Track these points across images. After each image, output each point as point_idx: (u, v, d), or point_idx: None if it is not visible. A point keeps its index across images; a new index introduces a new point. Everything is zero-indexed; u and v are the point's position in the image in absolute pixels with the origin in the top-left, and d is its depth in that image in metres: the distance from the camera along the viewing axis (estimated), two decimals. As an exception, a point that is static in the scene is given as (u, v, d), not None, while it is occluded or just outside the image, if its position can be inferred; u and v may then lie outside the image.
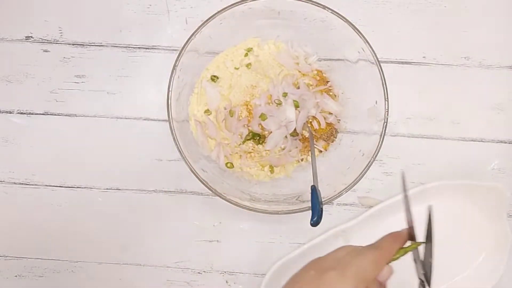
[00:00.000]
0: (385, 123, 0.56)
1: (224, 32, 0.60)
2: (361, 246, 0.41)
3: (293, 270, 0.62)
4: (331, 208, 0.64)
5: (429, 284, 0.40)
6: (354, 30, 0.56)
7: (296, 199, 0.58)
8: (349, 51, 0.60)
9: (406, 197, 0.42)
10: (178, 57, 0.56)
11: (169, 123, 0.56)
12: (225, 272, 0.65)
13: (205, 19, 0.56)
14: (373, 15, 0.66)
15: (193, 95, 0.63)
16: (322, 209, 0.49)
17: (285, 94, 0.61)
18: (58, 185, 0.65)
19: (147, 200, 0.65)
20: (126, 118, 0.65)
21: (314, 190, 0.50)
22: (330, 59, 0.63)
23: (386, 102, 0.56)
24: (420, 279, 0.41)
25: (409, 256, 0.42)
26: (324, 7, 0.56)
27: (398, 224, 0.63)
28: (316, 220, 0.48)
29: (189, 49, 0.56)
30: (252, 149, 0.62)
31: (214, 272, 0.65)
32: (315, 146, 0.62)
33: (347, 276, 0.36)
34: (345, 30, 0.57)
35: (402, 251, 0.41)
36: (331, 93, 0.63)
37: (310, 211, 0.51)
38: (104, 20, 0.66)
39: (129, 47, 0.66)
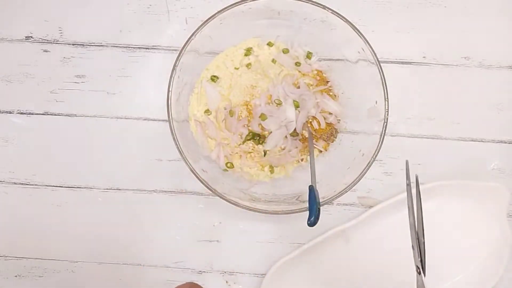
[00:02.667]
0: (385, 123, 0.56)
1: (224, 32, 0.60)
2: None
3: (293, 270, 0.62)
4: (331, 208, 0.64)
5: (423, 270, 0.42)
6: (354, 30, 0.56)
7: (296, 199, 0.58)
8: (349, 51, 0.60)
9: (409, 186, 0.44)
10: (178, 57, 0.56)
11: (169, 123, 0.56)
12: (225, 272, 0.65)
13: (205, 19, 0.56)
14: (373, 15, 0.66)
15: (193, 95, 0.63)
16: (319, 209, 0.49)
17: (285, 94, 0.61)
18: (58, 185, 0.65)
19: (147, 200, 0.65)
20: (126, 118, 0.65)
21: (312, 190, 0.50)
22: (330, 59, 0.63)
23: (386, 102, 0.56)
24: (416, 265, 0.42)
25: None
26: (324, 7, 0.56)
27: (398, 224, 0.63)
28: (313, 220, 0.48)
29: (189, 49, 0.56)
30: (252, 149, 0.62)
31: (214, 272, 0.65)
32: (315, 146, 0.62)
33: None
34: (345, 30, 0.57)
35: None
36: (331, 93, 0.63)
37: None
38: (104, 20, 0.66)
39: (129, 47, 0.66)
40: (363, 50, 0.57)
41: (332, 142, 0.63)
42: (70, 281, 0.65)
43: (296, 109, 0.61)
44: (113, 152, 0.65)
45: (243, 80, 0.63)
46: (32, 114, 0.66)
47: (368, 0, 0.66)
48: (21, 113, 0.66)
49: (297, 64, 0.63)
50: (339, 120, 0.63)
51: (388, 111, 0.56)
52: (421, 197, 0.63)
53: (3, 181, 0.65)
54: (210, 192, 0.55)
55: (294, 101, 0.61)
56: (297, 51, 0.63)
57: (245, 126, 0.62)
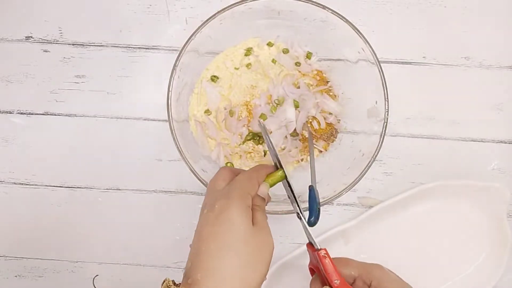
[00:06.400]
0: (385, 123, 0.56)
1: (224, 32, 0.60)
2: (234, 169, 0.49)
3: (293, 270, 0.62)
4: (331, 208, 0.64)
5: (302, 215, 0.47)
6: (354, 30, 0.56)
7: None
8: (349, 51, 0.60)
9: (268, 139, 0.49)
10: (178, 57, 0.56)
11: (169, 123, 0.56)
12: (225, 272, 0.64)
13: (205, 19, 0.56)
14: (373, 15, 0.66)
15: (193, 95, 0.63)
16: (319, 209, 0.49)
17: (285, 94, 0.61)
18: (58, 185, 0.65)
19: (147, 200, 0.65)
20: (126, 118, 0.65)
21: (312, 190, 0.50)
22: (330, 59, 0.63)
23: (386, 102, 0.56)
24: (297, 213, 0.48)
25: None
26: (324, 7, 0.56)
27: (398, 224, 0.63)
28: (313, 220, 0.48)
29: (189, 49, 0.57)
30: (252, 149, 0.62)
31: (214, 272, 0.64)
32: (315, 146, 0.62)
33: (232, 197, 0.43)
34: (345, 30, 0.57)
35: (272, 176, 0.47)
36: (331, 93, 0.63)
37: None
38: (104, 20, 0.66)
39: (129, 47, 0.66)
40: (363, 50, 0.57)
41: (332, 142, 0.63)
42: (70, 281, 0.65)
43: (296, 109, 0.61)
44: (113, 152, 0.65)
45: (243, 80, 0.63)
46: (32, 114, 0.66)
47: (368, 0, 0.66)
48: (21, 113, 0.66)
49: (297, 64, 0.63)
50: (339, 120, 0.63)
51: (388, 111, 0.56)
52: (421, 197, 0.63)
53: (3, 181, 0.65)
54: (210, 192, 0.55)
55: (294, 101, 0.61)
56: (297, 51, 0.63)
57: (245, 126, 0.62)
